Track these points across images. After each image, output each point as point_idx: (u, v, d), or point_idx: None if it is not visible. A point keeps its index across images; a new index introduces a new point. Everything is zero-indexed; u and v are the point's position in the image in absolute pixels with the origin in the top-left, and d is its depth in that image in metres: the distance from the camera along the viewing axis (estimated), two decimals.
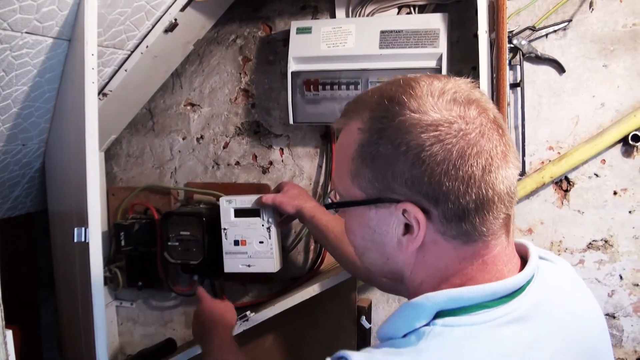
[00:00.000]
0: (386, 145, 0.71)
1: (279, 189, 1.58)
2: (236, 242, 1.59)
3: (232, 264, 1.60)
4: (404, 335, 0.72)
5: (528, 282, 0.76)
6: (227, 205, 1.59)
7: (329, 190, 1.60)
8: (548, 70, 1.48)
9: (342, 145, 0.79)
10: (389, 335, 0.74)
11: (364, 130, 0.74)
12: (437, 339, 0.68)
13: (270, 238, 1.56)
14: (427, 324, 0.71)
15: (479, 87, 0.76)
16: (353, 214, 0.80)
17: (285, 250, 1.73)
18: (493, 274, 0.74)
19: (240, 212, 1.58)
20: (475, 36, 1.35)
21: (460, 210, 0.70)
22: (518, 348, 0.69)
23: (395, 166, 0.71)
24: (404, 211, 0.72)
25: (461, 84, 0.75)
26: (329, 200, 0.86)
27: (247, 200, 1.57)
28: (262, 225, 1.56)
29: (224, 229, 1.59)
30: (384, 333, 0.76)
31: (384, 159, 0.72)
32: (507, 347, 0.69)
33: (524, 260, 0.80)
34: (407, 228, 0.74)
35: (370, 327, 1.63)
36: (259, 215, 1.56)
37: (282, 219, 1.60)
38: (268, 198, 1.51)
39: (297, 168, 1.72)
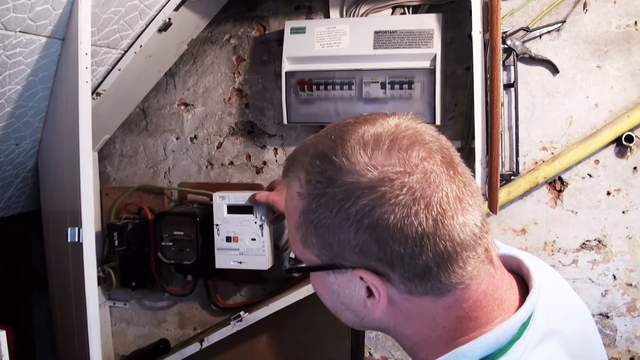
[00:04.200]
0: (325, 213, 0.66)
1: (272, 187, 1.58)
2: (228, 239, 1.59)
3: (224, 259, 1.60)
4: None
5: None
6: (220, 201, 1.59)
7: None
8: (542, 71, 1.49)
9: (287, 209, 0.74)
10: None
11: (302, 195, 0.69)
12: None
13: (262, 235, 1.56)
14: None
15: (422, 121, 0.70)
16: (315, 277, 0.76)
17: (279, 250, 1.73)
18: (492, 304, 0.69)
19: (233, 209, 1.58)
20: (470, 37, 1.35)
21: (419, 270, 0.64)
22: None
23: (339, 235, 0.65)
24: (361, 277, 0.67)
25: (402, 123, 0.68)
26: (287, 265, 0.80)
27: (240, 197, 1.57)
28: (255, 223, 1.56)
29: (217, 224, 1.59)
30: None
31: (327, 228, 0.66)
32: None
33: (513, 273, 0.77)
34: (370, 290, 0.68)
35: None
36: (251, 213, 1.56)
37: (274, 217, 1.60)
38: (262, 196, 1.51)
39: None
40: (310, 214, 0.68)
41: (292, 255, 0.78)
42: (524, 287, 0.74)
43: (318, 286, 0.76)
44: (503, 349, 0.66)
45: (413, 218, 0.62)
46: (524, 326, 0.69)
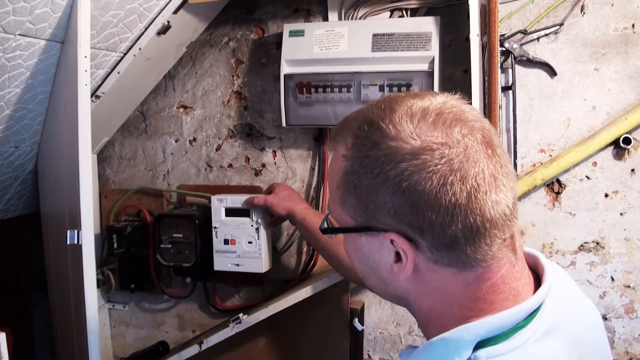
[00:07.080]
0: (366, 175, 0.70)
1: (270, 190, 1.58)
2: (226, 241, 1.60)
3: (222, 262, 1.61)
4: None
5: None
6: (219, 204, 1.59)
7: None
8: (539, 74, 1.49)
9: (330, 171, 0.78)
10: None
11: (347, 157, 0.73)
12: None
13: (259, 238, 1.57)
14: (468, 358, 0.67)
15: (469, 103, 0.73)
16: (348, 239, 0.79)
17: (277, 252, 1.73)
18: (508, 293, 0.71)
19: (231, 212, 1.59)
20: (467, 39, 1.35)
21: (447, 239, 0.67)
22: None
23: (376, 196, 0.69)
24: (392, 240, 0.70)
25: (448, 101, 0.71)
26: (324, 225, 0.84)
27: (238, 200, 1.57)
28: (252, 226, 1.57)
29: (215, 227, 1.60)
30: None
31: (366, 189, 0.70)
32: None
33: (531, 270, 0.78)
34: (399, 255, 0.71)
35: (362, 329, 1.63)
36: (249, 216, 1.57)
37: (272, 220, 1.61)
38: (259, 199, 1.51)
39: (289, 170, 1.72)
40: (352, 174, 0.72)
41: (325, 223, 0.82)
42: (539, 285, 0.76)
43: (350, 248, 0.80)
44: (507, 334, 0.68)
45: (448, 187, 0.65)
46: (531, 317, 0.70)
